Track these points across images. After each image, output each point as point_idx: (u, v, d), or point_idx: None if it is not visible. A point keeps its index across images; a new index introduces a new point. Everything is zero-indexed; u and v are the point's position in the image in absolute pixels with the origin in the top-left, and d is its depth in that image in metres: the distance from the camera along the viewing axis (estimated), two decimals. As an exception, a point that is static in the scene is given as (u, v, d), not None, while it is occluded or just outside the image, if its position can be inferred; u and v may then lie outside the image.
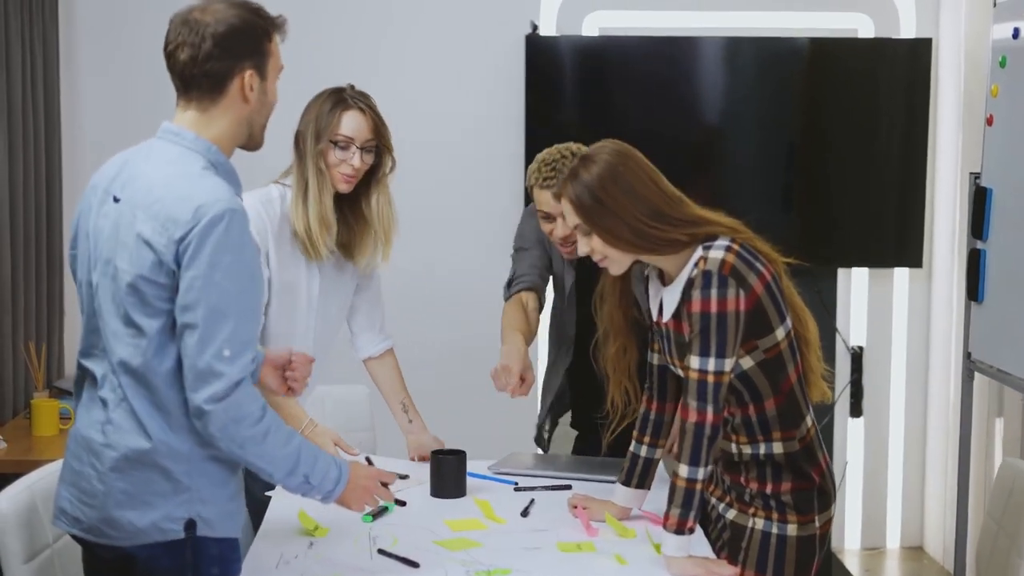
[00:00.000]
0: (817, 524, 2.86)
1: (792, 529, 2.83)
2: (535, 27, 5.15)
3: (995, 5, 4.15)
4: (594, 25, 5.27)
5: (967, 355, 4.33)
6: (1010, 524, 3.17)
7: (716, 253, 2.70)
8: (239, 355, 2.36)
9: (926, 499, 5.53)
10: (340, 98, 3.28)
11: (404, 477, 3.28)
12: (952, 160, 5.21)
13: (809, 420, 2.87)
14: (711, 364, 2.67)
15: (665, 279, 2.85)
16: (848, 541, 5.53)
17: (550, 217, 3.42)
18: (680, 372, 2.83)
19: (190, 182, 2.42)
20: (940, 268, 5.35)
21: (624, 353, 3.03)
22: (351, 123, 3.25)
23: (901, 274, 5.41)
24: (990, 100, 4.13)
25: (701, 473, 2.67)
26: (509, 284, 3.60)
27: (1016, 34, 3.96)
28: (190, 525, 2.43)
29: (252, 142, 2.59)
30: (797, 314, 2.87)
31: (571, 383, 3.75)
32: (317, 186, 3.24)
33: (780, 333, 2.76)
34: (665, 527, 2.69)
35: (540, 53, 5.14)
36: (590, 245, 2.79)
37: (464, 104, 5.28)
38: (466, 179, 5.30)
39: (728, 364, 2.69)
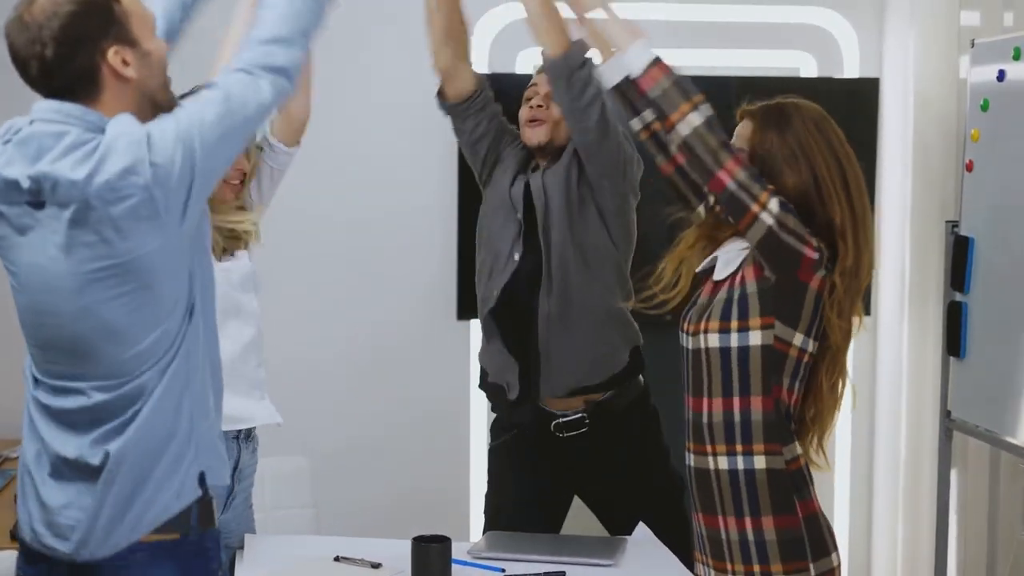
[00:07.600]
0: (813, 573, 2.53)
1: None
2: (468, 64, 4.86)
3: (973, 46, 3.95)
4: (528, 62, 4.98)
5: (946, 414, 4.11)
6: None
7: None
8: None
9: (873, 556, 5.32)
10: None
11: (377, 566, 2.94)
12: (899, 203, 5.01)
13: (798, 448, 2.59)
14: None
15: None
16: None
17: (535, 85, 3.71)
18: (688, 340, 2.65)
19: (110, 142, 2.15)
20: (886, 316, 5.15)
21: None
22: None
23: (844, 322, 5.18)
24: (970, 145, 3.92)
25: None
26: None
27: (1002, 76, 3.76)
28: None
29: (163, 106, 2.24)
30: (830, 381, 2.63)
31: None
32: None
33: (798, 340, 2.52)
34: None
35: (472, 90, 4.85)
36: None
37: (397, 141, 4.98)
38: (399, 217, 4.97)
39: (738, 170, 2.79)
